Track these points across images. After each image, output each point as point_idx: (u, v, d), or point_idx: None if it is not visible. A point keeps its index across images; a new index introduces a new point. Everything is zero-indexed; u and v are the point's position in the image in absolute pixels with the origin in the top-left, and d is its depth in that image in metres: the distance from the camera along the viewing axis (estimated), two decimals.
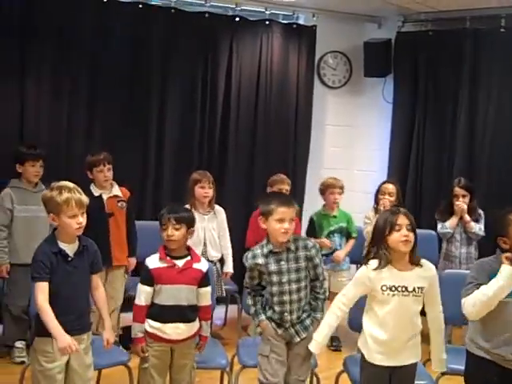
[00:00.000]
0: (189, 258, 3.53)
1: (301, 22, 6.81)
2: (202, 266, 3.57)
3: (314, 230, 5.38)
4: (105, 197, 4.79)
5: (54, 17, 5.54)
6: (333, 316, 3.28)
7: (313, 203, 6.06)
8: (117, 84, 5.89)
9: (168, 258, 3.47)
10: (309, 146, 6.85)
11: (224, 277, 5.14)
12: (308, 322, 3.52)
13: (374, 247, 3.22)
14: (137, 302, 3.47)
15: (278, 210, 3.44)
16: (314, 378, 3.99)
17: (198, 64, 6.26)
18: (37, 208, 4.72)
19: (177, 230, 3.47)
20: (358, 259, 5.23)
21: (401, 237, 3.12)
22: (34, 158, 4.71)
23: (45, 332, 3.10)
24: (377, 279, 3.16)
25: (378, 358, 3.20)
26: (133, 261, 4.91)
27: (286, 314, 3.46)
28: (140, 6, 5.93)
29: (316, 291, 3.57)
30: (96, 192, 4.75)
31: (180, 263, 3.49)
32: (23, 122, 5.50)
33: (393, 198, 5.39)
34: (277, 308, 3.48)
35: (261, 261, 3.48)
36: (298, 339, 3.49)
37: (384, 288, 3.15)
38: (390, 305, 3.15)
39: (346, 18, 6.82)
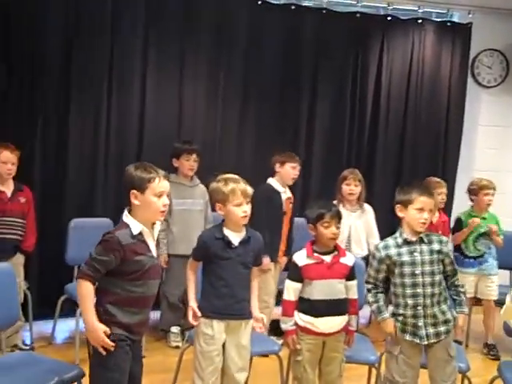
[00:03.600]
0: (336, 252, 3.56)
1: (455, 19, 6.66)
2: (349, 260, 3.60)
3: (460, 230, 5.25)
4: (284, 196, 4.96)
5: (212, 17, 5.81)
6: None
7: (459, 205, 5.94)
8: (268, 84, 6.06)
9: (315, 254, 3.53)
10: (459, 147, 6.68)
11: None
12: (442, 328, 3.41)
13: None
14: (286, 297, 3.53)
15: (419, 199, 3.40)
16: (466, 382, 3.88)
17: (348, 64, 6.31)
18: (192, 201, 5.01)
19: (338, 228, 3.53)
20: (507, 265, 5.08)
21: None
22: (189, 152, 4.95)
23: (207, 314, 3.29)
24: None
25: None
26: (285, 260, 5.00)
27: (419, 307, 3.38)
28: (292, 7, 6.07)
29: (456, 286, 3.49)
30: (279, 189, 4.96)
31: (328, 258, 3.52)
32: (181, 121, 5.81)
33: None
34: (410, 301, 3.40)
35: (393, 251, 3.45)
36: (432, 341, 3.40)
37: None
38: None
39: (503, 14, 6.59)
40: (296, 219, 5.38)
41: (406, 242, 3.44)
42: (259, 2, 5.94)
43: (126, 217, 2.92)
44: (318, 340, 3.50)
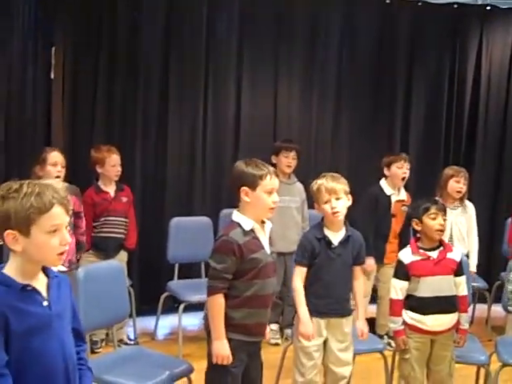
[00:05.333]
0: (441, 248, 3.49)
1: None
2: (456, 255, 3.52)
3: None
4: (394, 198, 4.91)
5: (305, 18, 5.82)
6: None
7: None
8: (362, 82, 6.02)
9: (421, 250, 3.46)
10: None
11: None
12: None
13: None
14: (393, 296, 3.48)
15: None
16: None
17: (445, 59, 6.17)
18: (290, 199, 5.00)
19: (444, 220, 3.47)
20: None
21: None
22: (288, 149, 4.96)
23: None
24: None
25: None
26: None
27: None
28: (387, 1, 5.99)
29: None
30: (388, 191, 4.91)
31: (434, 254, 3.45)
32: (276, 121, 5.84)
33: None
34: None
35: None
36: None
37: None
38: None
39: None
40: None
41: None
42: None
43: (236, 216, 2.91)
44: (426, 338, 3.44)
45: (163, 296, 4.93)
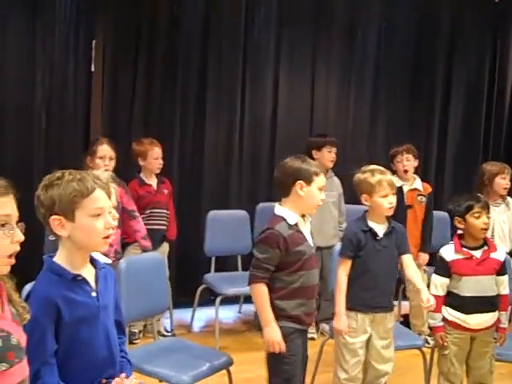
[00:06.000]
0: (485, 247, 3.45)
1: None
2: (499, 255, 3.47)
3: None
4: (405, 188, 4.86)
5: (344, 13, 5.81)
6: None
7: None
8: (400, 77, 5.99)
9: (464, 249, 3.42)
10: None
11: None
12: None
13: None
14: (433, 292, 3.44)
15: None
16: None
17: (485, 53, 6.10)
18: (327, 193, 4.94)
19: (488, 218, 3.44)
20: None
21: None
22: (331, 144, 4.94)
23: (352, 306, 3.28)
24: None
25: None
26: (424, 256, 4.86)
27: None
28: None
29: None
30: (397, 183, 4.86)
31: (477, 254, 3.41)
32: (313, 116, 5.85)
33: None
34: None
35: None
36: None
37: None
38: None
39: None
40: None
41: None
42: None
43: (279, 210, 2.95)
44: (466, 335, 3.41)
45: (200, 288, 4.95)
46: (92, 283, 2.00)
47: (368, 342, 3.35)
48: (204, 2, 5.42)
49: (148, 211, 4.63)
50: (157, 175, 4.76)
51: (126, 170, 4.81)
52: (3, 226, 1.60)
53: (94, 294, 1.98)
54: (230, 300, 5.05)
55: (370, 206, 3.31)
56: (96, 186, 1.95)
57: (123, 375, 2.04)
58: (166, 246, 4.80)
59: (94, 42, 5.09)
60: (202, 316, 5.25)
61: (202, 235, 5.07)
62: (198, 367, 3.17)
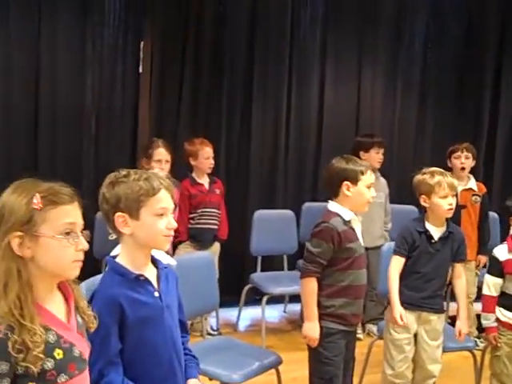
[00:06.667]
0: None
1: None
2: None
3: None
4: (459, 188, 4.80)
5: (390, 10, 5.75)
6: None
7: None
8: (448, 72, 5.90)
9: None
10: None
11: None
12: None
13: None
14: (486, 292, 3.43)
15: None
16: None
17: None
18: (376, 194, 4.95)
19: None
20: None
21: None
22: (379, 146, 4.92)
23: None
24: None
25: None
26: (483, 259, 4.79)
27: None
28: None
29: None
30: None
31: None
32: (359, 116, 5.82)
33: None
34: None
35: None
36: None
37: None
38: None
39: None
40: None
41: None
42: None
43: (333, 206, 2.99)
44: None
45: (246, 288, 4.98)
46: (154, 283, 2.01)
47: (416, 340, 3.34)
48: (250, 1, 5.44)
49: (199, 210, 4.68)
50: (208, 175, 4.80)
51: (174, 170, 4.86)
52: (68, 234, 1.59)
53: (156, 293, 1.99)
54: (275, 299, 5.06)
55: (429, 207, 3.29)
56: (161, 187, 1.98)
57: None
58: (217, 246, 4.83)
59: (142, 43, 5.16)
60: (247, 315, 5.28)
61: (247, 235, 5.10)
62: (248, 366, 3.19)
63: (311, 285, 2.91)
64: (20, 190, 1.57)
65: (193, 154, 4.69)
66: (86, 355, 1.68)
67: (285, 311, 5.54)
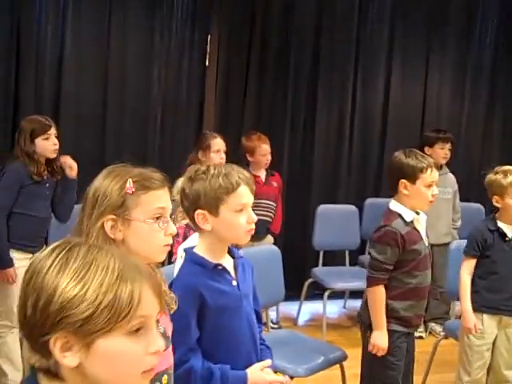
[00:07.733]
0: None
1: None
2: None
3: None
4: None
5: (460, 7, 5.67)
6: None
7: None
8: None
9: None
10: None
11: None
12: None
13: None
14: None
15: None
16: None
17: None
18: (441, 190, 4.85)
19: None
20: None
21: None
22: (445, 141, 4.84)
23: (478, 308, 3.20)
24: None
25: None
26: None
27: None
28: None
29: None
30: None
31: None
32: (425, 113, 5.75)
33: None
34: None
35: None
36: None
37: None
38: None
39: None
40: None
41: None
42: None
43: (395, 205, 2.87)
44: None
45: (307, 282, 4.97)
46: (232, 272, 2.02)
47: (493, 344, 3.26)
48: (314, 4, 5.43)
49: (255, 201, 4.65)
50: (266, 169, 4.80)
51: (237, 162, 4.87)
52: (158, 218, 1.59)
53: (234, 282, 2.01)
54: (335, 295, 5.04)
55: (502, 208, 3.22)
56: (241, 182, 1.97)
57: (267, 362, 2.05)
58: (270, 238, 4.81)
59: (209, 36, 5.20)
60: (307, 309, 5.26)
61: (309, 229, 5.09)
62: (313, 360, 3.20)
63: (380, 293, 2.82)
64: (113, 175, 1.59)
65: (250, 151, 4.67)
66: (169, 333, 1.71)
67: (344, 307, 5.51)
